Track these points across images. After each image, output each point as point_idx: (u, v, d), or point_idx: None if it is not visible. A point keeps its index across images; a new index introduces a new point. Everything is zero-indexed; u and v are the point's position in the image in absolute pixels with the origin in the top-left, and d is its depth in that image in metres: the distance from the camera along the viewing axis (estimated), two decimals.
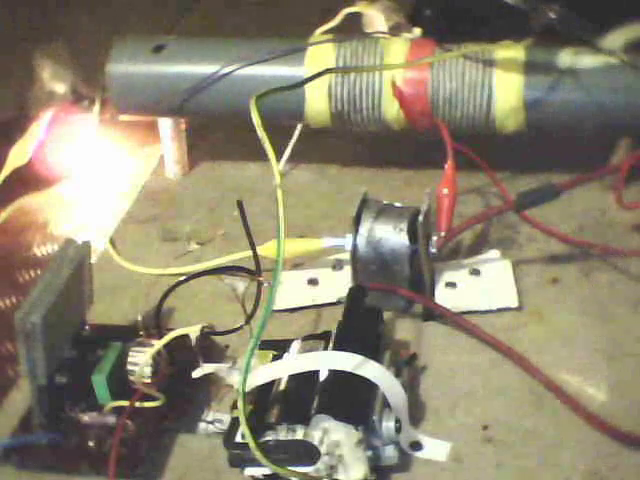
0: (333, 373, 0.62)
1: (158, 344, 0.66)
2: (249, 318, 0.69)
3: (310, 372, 0.62)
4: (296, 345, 0.67)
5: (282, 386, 0.64)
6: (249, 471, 0.61)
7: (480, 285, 0.76)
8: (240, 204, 0.70)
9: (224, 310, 0.75)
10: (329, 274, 0.78)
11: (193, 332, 0.68)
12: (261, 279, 0.70)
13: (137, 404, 0.65)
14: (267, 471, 0.60)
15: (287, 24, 1.12)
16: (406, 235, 0.72)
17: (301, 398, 0.62)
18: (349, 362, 0.61)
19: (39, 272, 0.81)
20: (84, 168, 0.95)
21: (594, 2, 0.81)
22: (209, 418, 0.65)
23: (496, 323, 0.72)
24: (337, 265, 0.78)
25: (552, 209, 0.79)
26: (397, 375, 0.64)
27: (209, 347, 0.70)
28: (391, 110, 0.85)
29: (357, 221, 0.73)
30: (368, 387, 0.61)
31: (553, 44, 0.83)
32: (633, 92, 0.82)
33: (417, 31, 0.88)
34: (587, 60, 0.82)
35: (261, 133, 0.60)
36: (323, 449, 0.59)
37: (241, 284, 0.70)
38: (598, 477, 0.61)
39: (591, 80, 0.82)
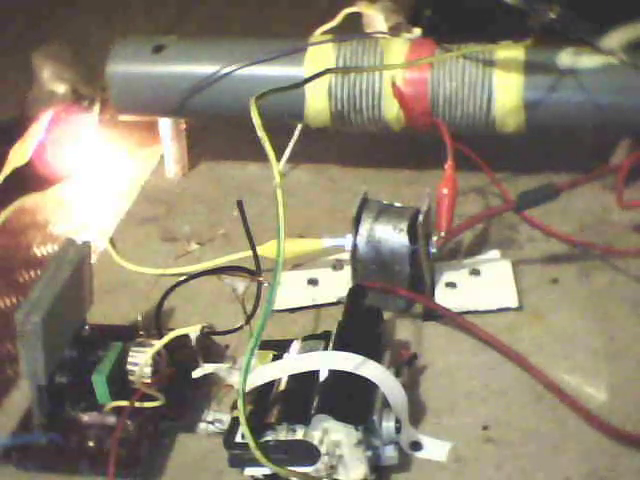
0: (333, 373, 0.62)
1: (158, 344, 0.66)
2: (249, 318, 0.69)
3: (310, 372, 0.62)
4: (296, 345, 0.67)
5: (282, 386, 0.64)
6: (249, 471, 0.61)
7: (480, 285, 0.76)
8: (240, 204, 0.70)
9: (224, 310, 0.75)
10: (329, 274, 0.78)
11: (193, 332, 0.68)
12: (261, 279, 0.70)
13: (137, 404, 0.65)
14: (267, 471, 0.60)
15: (287, 24, 1.12)
16: (406, 235, 0.72)
17: (301, 398, 0.62)
18: (349, 362, 0.61)
19: (39, 272, 0.81)
20: (84, 168, 0.95)
21: (594, 2, 0.81)
22: (209, 418, 0.65)
23: (496, 323, 0.72)
24: (337, 265, 0.78)
25: (552, 209, 0.79)
26: (397, 375, 0.64)
27: (209, 347, 0.70)
28: (391, 110, 0.85)
29: (357, 221, 0.73)
30: (368, 387, 0.61)
31: (553, 44, 0.83)
32: (633, 92, 0.82)
33: (417, 31, 0.88)
34: (587, 60, 0.82)
35: (261, 133, 0.60)
36: (323, 449, 0.59)
37: (241, 284, 0.70)
38: (598, 477, 0.61)
39: (591, 80, 0.82)
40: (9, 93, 1.03)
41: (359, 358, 0.61)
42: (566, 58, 0.83)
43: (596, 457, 0.62)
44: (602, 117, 0.82)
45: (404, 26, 0.90)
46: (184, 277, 0.73)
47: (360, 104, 0.85)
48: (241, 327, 0.70)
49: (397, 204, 0.75)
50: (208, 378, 0.66)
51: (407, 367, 0.67)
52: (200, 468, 0.64)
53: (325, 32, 0.90)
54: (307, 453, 0.59)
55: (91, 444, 0.64)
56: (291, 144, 0.92)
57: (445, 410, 0.66)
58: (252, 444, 0.57)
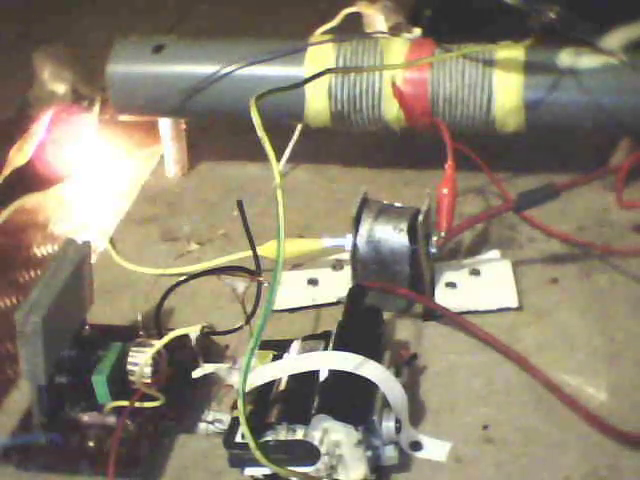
0: (333, 373, 0.62)
1: (158, 344, 0.66)
2: (249, 318, 0.69)
3: (310, 372, 0.62)
4: (296, 345, 0.67)
5: (282, 386, 0.64)
6: (249, 471, 0.61)
7: (480, 285, 0.76)
8: (240, 204, 0.70)
9: (224, 310, 0.75)
10: (329, 274, 0.78)
11: (193, 332, 0.68)
12: (261, 279, 0.70)
13: (137, 404, 0.65)
14: (267, 471, 0.60)
15: (287, 24, 1.12)
16: (406, 235, 0.72)
17: (301, 398, 0.62)
18: (349, 362, 0.61)
19: (39, 272, 0.81)
20: (84, 168, 0.95)
21: (594, 2, 0.81)
22: (209, 418, 0.65)
23: (496, 323, 0.72)
24: (337, 265, 0.78)
25: (552, 209, 0.79)
26: (397, 375, 0.64)
27: (209, 347, 0.70)
28: (391, 110, 0.85)
29: (357, 221, 0.73)
30: (368, 387, 0.61)
31: (553, 44, 0.83)
32: (633, 92, 0.82)
33: (417, 31, 0.88)
34: (587, 60, 0.82)
35: (261, 133, 0.60)
36: (323, 449, 0.59)
37: (241, 284, 0.70)
38: (598, 477, 0.61)
39: (591, 80, 0.82)
40: (9, 93, 1.03)
41: (359, 358, 0.61)
42: (566, 58, 0.83)
43: (596, 457, 0.62)
44: (602, 117, 0.82)
45: (404, 26, 0.90)
46: (184, 277, 0.73)
47: (360, 104, 0.85)
48: (241, 327, 0.70)
49: (397, 204, 0.75)
50: (208, 378, 0.66)
51: (407, 367, 0.67)
52: (200, 468, 0.64)
53: (325, 32, 0.90)
54: (307, 453, 0.59)
55: (91, 444, 0.64)
56: (291, 144, 0.92)
57: (445, 410, 0.66)
58: (252, 444, 0.57)
